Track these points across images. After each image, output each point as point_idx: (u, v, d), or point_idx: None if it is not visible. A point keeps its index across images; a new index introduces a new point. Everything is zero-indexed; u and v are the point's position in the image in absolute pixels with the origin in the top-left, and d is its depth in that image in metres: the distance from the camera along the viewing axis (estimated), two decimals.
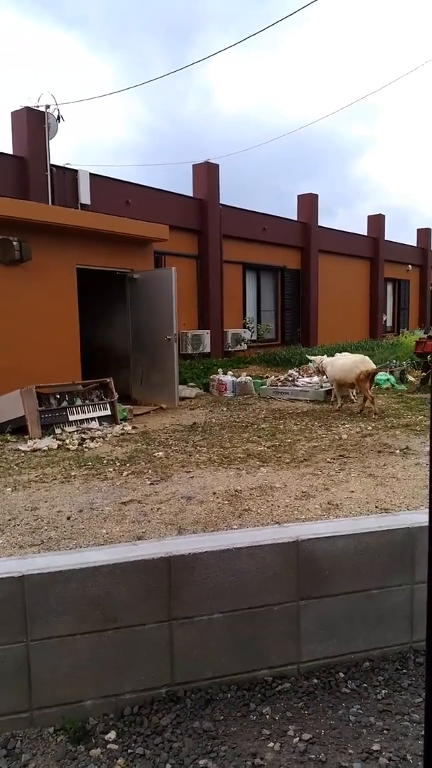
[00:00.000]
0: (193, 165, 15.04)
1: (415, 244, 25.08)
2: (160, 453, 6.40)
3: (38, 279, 8.72)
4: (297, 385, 10.78)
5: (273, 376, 11.84)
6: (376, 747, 2.44)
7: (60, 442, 7.04)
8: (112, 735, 2.52)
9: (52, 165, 11.23)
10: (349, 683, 2.87)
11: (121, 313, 10.65)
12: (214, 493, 4.79)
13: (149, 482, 5.24)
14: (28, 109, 11.03)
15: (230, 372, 11.94)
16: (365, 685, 2.86)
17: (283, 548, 2.85)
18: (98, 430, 7.80)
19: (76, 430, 7.68)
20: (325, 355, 10.00)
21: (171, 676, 2.74)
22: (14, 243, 8.19)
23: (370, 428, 7.45)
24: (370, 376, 8.65)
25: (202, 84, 54.67)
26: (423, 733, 1.53)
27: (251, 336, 16.14)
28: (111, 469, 5.75)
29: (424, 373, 11.11)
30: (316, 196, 18.72)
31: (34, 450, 6.71)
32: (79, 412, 8.06)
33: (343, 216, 59.04)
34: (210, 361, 13.45)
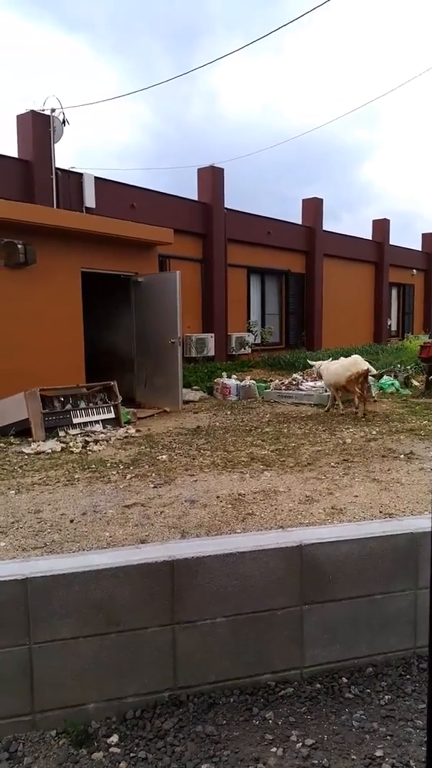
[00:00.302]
0: (198, 169, 15.09)
1: (420, 249, 25.06)
2: (164, 456, 6.40)
3: (43, 282, 8.75)
4: (301, 389, 10.76)
5: (277, 380, 11.83)
6: (379, 753, 2.43)
7: (63, 445, 7.05)
8: (114, 738, 2.51)
9: (57, 168, 11.28)
10: (352, 688, 2.85)
11: (125, 316, 10.67)
12: (218, 497, 4.78)
13: (153, 485, 5.24)
14: (33, 112, 11.08)
15: (234, 375, 11.95)
16: (368, 690, 2.85)
17: (286, 553, 2.85)
18: (102, 433, 7.81)
19: (80, 433, 7.69)
20: (330, 359, 10.02)
21: (174, 679, 2.73)
22: (19, 246, 8.22)
23: (374, 433, 7.43)
24: (362, 377, 8.71)
25: (207, 88, 54.89)
26: (426, 739, 1.52)
27: (255, 339, 16.14)
28: (114, 472, 5.75)
29: (430, 377, 11.08)
30: (321, 200, 18.74)
31: (38, 453, 6.72)
32: (83, 415, 8.07)
33: (348, 220, 59.05)
34: (214, 365, 13.46)
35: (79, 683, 2.60)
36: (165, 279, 10.28)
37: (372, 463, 5.85)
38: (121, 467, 5.98)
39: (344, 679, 2.91)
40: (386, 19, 40.96)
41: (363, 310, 21.53)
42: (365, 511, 4.36)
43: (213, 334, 14.30)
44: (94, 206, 11.75)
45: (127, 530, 4.05)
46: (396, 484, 5.07)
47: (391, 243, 22.30)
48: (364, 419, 8.40)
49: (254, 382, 11.40)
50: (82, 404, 8.18)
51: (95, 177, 11.98)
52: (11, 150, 11.42)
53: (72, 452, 6.77)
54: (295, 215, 18.96)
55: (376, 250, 21.77)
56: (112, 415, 8.37)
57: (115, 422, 8.33)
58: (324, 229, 18.81)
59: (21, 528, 4.17)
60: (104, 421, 8.22)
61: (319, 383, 10.84)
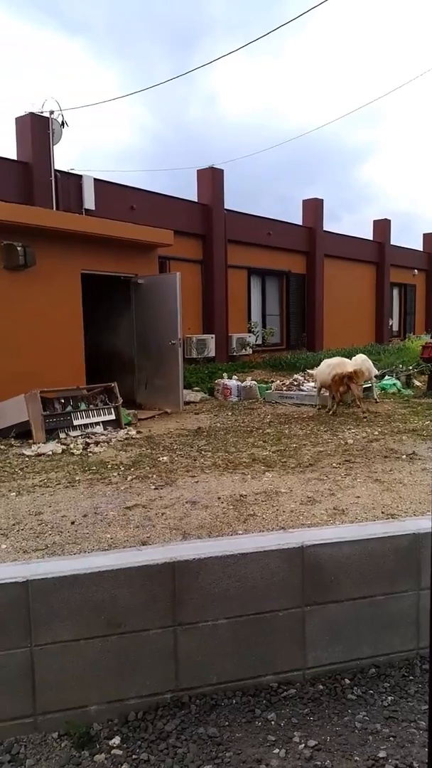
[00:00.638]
0: (198, 170, 15.09)
1: (421, 249, 25.05)
2: (165, 458, 6.39)
3: (43, 284, 8.75)
4: (302, 390, 10.75)
5: (278, 381, 11.82)
6: (382, 754, 2.42)
7: (64, 447, 7.05)
8: (116, 740, 2.51)
9: (56, 170, 11.29)
10: (355, 690, 2.84)
11: (125, 317, 10.67)
12: (219, 498, 4.78)
13: (154, 487, 5.23)
14: (32, 114, 11.09)
15: (235, 376, 11.94)
16: (371, 691, 2.84)
17: (288, 554, 2.84)
18: (103, 434, 7.81)
19: (81, 435, 7.69)
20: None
21: (176, 681, 2.72)
22: (19, 248, 8.22)
23: (376, 433, 7.42)
24: (346, 377, 8.82)
25: (207, 90, 54.87)
26: (428, 740, 1.52)
27: (256, 340, 16.14)
28: (115, 474, 5.75)
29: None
30: (321, 200, 18.74)
31: (39, 454, 6.72)
32: (84, 416, 8.07)
33: (348, 221, 58.98)
34: (215, 366, 13.46)
35: (81, 685, 2.59)
36: (165, 280, 10.28)
37: (374, 464, 5.84)
38: (122, 469, 5.98)
39: (347, 681, 2.90)
40: (386, 20, 40.98)
41: (364, 311, 21.52)
42: (367, 511, 4.35)
43: (213, 335, 14.30)
44: (93, 208, 11.75)
45: (129, 532, 4.04)
46: (398, 485, 5.06)
47: (392, 243, 22.30)
48: (365, 420, 8.39)
49: (255, 383, 11.39)
50: (83, 406, 8.18)
51: (95, 179, 11.99)
52: (10, 152, 11.46)
53: (73, 454, 6.77)
54: (295, 216, 18.99)
55: (377, 250, 21.76)
56: (112, 417, 8.37)
57: (116, 424, 8.33)
58: (324, 229, 18.81)
59: (22, 530, 4.16)
60: (105, 423, 8.22)
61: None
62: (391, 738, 2.53)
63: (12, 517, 4.47)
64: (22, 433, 7.57)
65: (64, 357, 9.06)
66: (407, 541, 3.02)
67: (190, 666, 2.73)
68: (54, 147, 11.27)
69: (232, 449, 6.75)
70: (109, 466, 6.13)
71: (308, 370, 10.46)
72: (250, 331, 15.97)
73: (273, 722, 2.62)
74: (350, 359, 9.93)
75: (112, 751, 2.45)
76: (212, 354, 14.08)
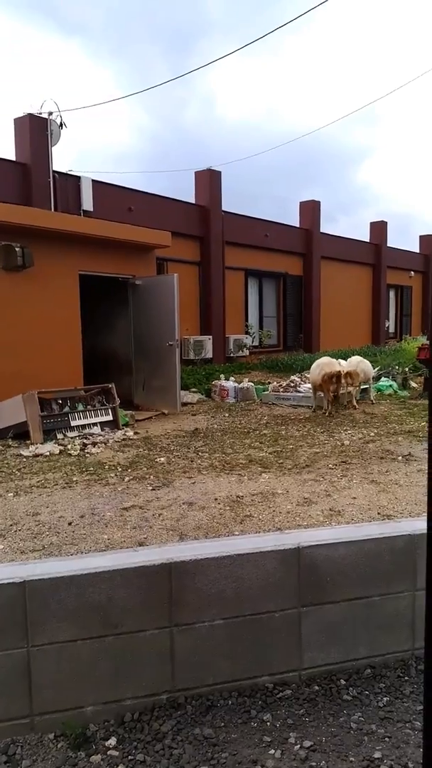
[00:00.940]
0: (196, 172, 15.10)
1: (418, 251, 25.10)
2: (162, 458, 6.40)
3: (40, 285, 8.75)
4: (299, 391, 10.77)
5: (275, 382, 11.84)
6: (377, 755, 2.43)
7: (62, 448, 7.05)
8: (112, 741, 2.51)
9: (54, 171, 11.28)
10: (350, 690, 2.85)
11: (123, 319, 10.67)
12: (216, 499, 4.79)
13: (151, 488, 5.24)
14: (30, 116, 11.09)
15: (232, 378, 11.95)
16: (367, 692, 2.85)
17: (284, 555, 2.85)
18: (100, 435, 7.81)
19: (78, 436, 7.69)
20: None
21: (172, 682, 2.73)
22: (17, 249, 8.23)
23: (372, 434, 7.44)
24: (334, 377, 8.97)
25: (205, 91, 54.95)
26: (423, 741, 1.53)
27: (253, 342, 16.16)
28: (113, 475, 5.75)
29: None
30: (318, 202, 18.77)
31: (36, 455, 6.72)
32: (81, 417, 8.07)
33: (345, 223, 59.13)
34: (212, 367, 13.47)
35: (77, 686, 2.60)
36: (163, 281, 10.29)
37: (370, 465, 5.85)
38: (120, 470, 5.98)
39: (342, 681, 2.91)
40: (385, 22, 41.08)
41: (361, 312, 21.55)
42: (363, 512, 4.37)
43: (211, 337, 14.30)
44: (91, 209, 11.75)
45: (126, 533, 4.05)
46: (394, 486, 5.07)
47: (388, 245, 22.34)
48: (362, 421, 8.41)
49: (252, 384, 11.41)
50: (80, 407, 8.19)
51: (93, 180, 11.99)
52: (9, 153, 11.45)
53: (70, 455, 6.77)
54: (292, 218, 19.01)
55: (373, 252, 21.80)
56: (110, 418, 8.37)
57: (113, 425, 8.33)
58: (321, 231, 18.84)
59: (19, 531, 4.17)
60: (102, 424, 8.22)
61: None
62: (386, 739, 2.54)
63: (9, 517, 4.47)
64: (20, 433, 7.57)
65: (62, 358, 9.07)
66: (403, 542, 3.04)
67: (186, 667, 2.74)
68: (52, 148, 11.27)
69: (228, 450, 6.76)
70: (106, 466, 6.13)
71: (305, 372, 10.51)
72: (247, 333, 15.99)
73: (269, 723, 2.63)
74: (346, 361, 9.99)
75: (108, 752, 2.45)
76: (209, 355, 14.09)
